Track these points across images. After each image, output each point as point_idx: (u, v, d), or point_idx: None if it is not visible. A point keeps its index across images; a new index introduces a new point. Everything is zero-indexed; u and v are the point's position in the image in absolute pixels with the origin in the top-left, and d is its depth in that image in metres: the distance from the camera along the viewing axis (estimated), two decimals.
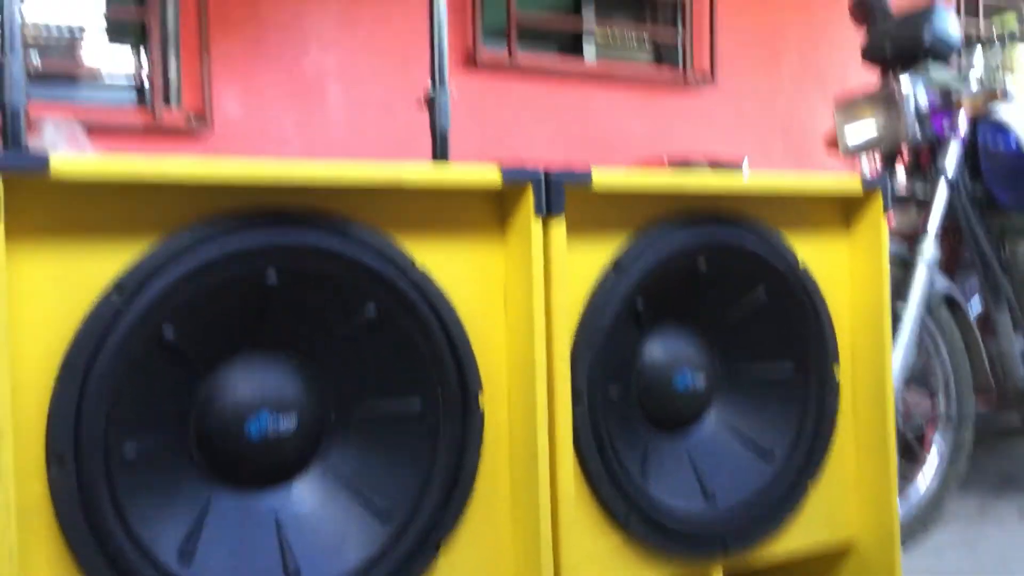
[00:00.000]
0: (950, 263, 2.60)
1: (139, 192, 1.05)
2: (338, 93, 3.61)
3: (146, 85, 3.37)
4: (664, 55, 4.53)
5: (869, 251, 1.54)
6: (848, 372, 1.56)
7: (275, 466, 1.17)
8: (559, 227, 1.25)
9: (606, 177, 1.29)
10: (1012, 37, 2.47)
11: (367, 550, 1.17)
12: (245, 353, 1.15)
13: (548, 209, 1.24)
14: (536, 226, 1.23)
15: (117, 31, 3.45)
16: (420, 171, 1.17)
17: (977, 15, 5.13)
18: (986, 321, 2.55)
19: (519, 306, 1.25)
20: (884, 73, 2.54)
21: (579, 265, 1.31)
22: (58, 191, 1.00)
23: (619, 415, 1.38)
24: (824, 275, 1.52)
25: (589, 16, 4.31)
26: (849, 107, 2.55)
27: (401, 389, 1.21)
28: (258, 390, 1.15)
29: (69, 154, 2.29)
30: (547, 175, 1.23)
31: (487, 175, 1.20)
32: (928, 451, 2.37)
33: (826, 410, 1.53)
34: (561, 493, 1.26)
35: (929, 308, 2.30)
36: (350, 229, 1.15)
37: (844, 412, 1.56)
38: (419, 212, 1.21)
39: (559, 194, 1.24)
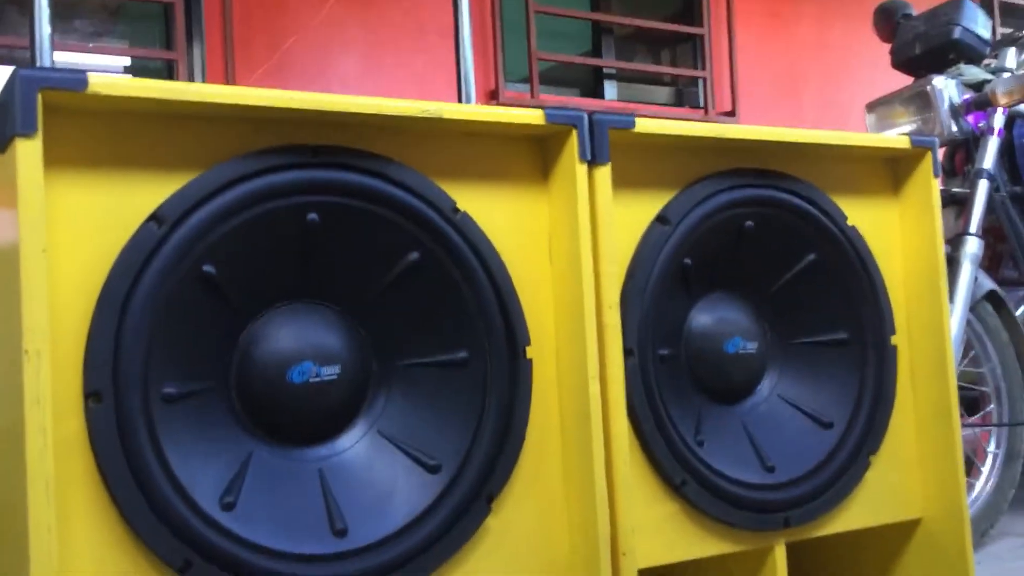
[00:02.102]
0: (991, 264, 2.55)
1: (180, 122, 1.02)
2: None
3: None
4: (685, 95, 4.55)
5: (920, 214, 1.50)
6: (904, 343, 1.51)
7: (319, 419, 1.12)
8: (604, 175, 1.21)
9: (650, 124, 1.26)
10: None
11: (416, 505, 1.12)
12: (287, 299, 1.12)
13: (593, 156, 1.20)
14: (581, 172, 1.19)
15: (144, 73, 3.50)
16: (463, 110, 1.14)
17: (992, 15, 5.12)
18: None
19: (565, 257, 1.21)
20: (916, 75, 2.52)
21: (625, 217, 1.27)
22: (97, 118, 0.98)
23: (670, 378, 1.33)
24: (874, 240, 1.48)
25: (610, 57, 4.34)
26: (883, 112, 2.53)
27: (446, 339, 1.16)
28: (301, 338, 1.11)
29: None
30: (591, 117, 1.20)
31: (530, 116, 1.18)
32: (982, 459, 2.28)
33: (884, 381, 1.47)
34: (615, 453, 1.20)
35: (974, 308, 2.24)
36: (392, 169, 1.12)
37: (903, 384, 1.50)
38: (461, 156, 1.18)
39: (603, 139, 1.21)
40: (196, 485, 1.01)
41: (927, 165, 1.49)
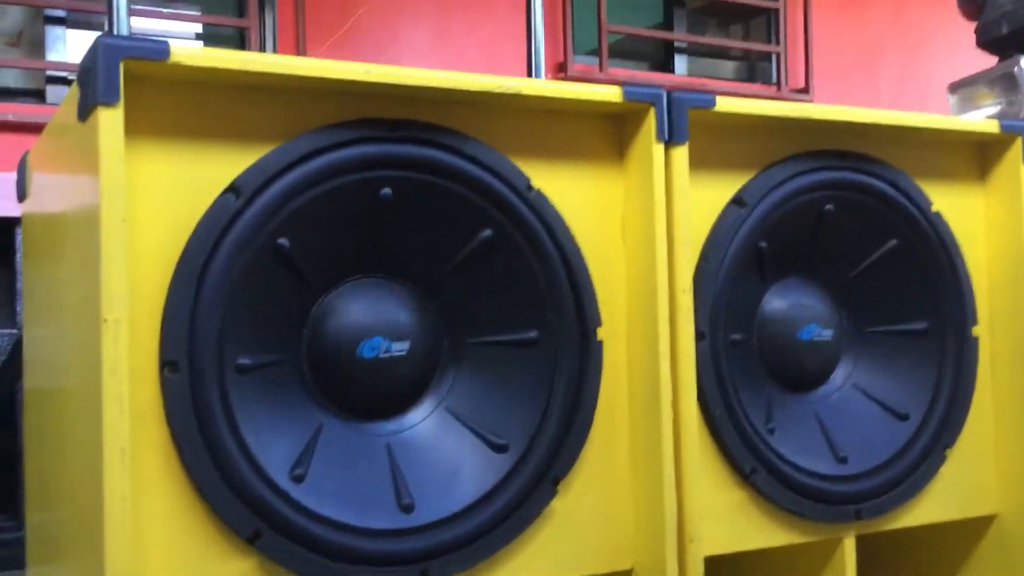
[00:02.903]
0: None
1: (259, 94, 1.02)
2: None
3: None
4: (757, 70, 4.46)
5: (1007, 202, 1.45)
6: (986, 334, 1.46)
7: (388, 394, 1.12)
8: (682, 155, 1.19)
9: (730, 103, 1.23)
10: None
11: (482, 485, 1.11)
12: (359, 274, 1.11)
13: (670, 135, 1.18)
14: (658, 151, 1.17)
15: (215, 40, 3.52)
16: (541, 86, 1.12)
17: None
18: None
19: (639, 237, 1.19)
20: (1002, 56, 2.44)
21: (700, 199, 1.24)
22: (178, 88, 0.98)
23: (741, 364, 1.30)
24: (958, 227, 1.43)
25: (681, 31, 4.26)
26: (966, 93, 2.45)
27: (517, 318, 1.15)
28: (372, 313, 1.10)
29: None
30: (670, 96, 1.18)
31: (607, 93, 1.15)
32: None
33: (964, 373, 1.42)
34: (684, 438, 1.18)
35: None
36: (468, 145, 1.10)
37: (982, 377, 1.45)
38: (536, 133, 1.16)
39: (682, 118, 1.18)
40: (267, 456, 1.01)
41: (1016, 151, 1.43)
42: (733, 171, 1.28)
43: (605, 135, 1.20)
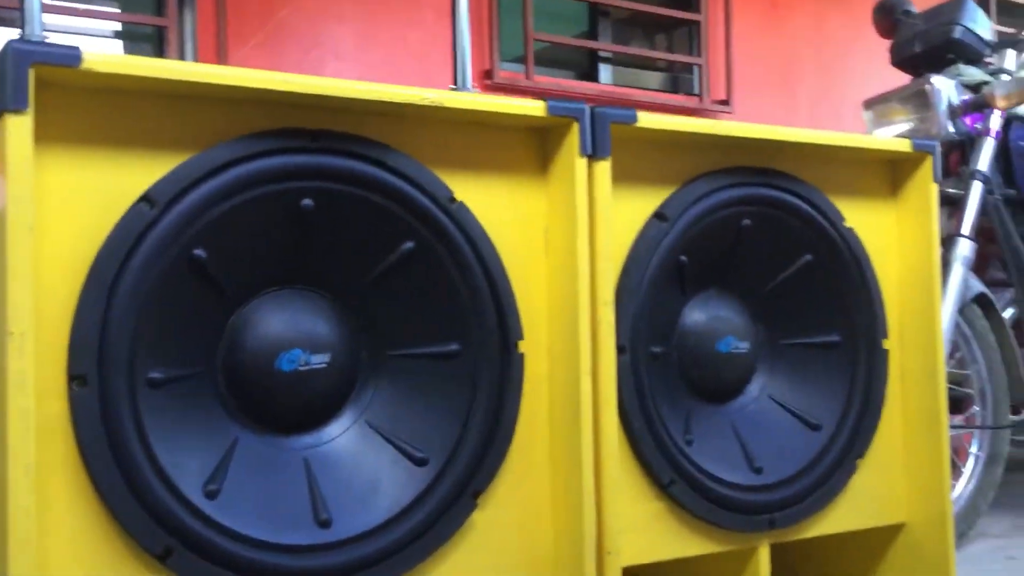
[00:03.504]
0: (979, 267, 2.54)
1: (176, 102, 1.00)
2: None
3: None
4: (680, 81, 4.52)
5: (918, 218, 1.49)
6: (896, 347, 1.50)
7: (306, 408, 1.10)
8: (604, 169, 1.19)
9: (652, 119, 1.24)
10: None
11: (401, 499, 1.10)
12: (277, 285, 1.10)
13: (594, 149, 1.19)
14: (581, 166, 1.17)
15: (133, 39, 3.44)
16: (464, 99, 1.12)
17: (989, 13, 5.12)
18: (1019, 329, 2.49)
19: (561, 251, 1.19)
20: (915, 74, 2.51)
21: (622, 213, 1.25)
22: (91, 95, 0.95)
23: (661, 376, 1.32)
24: (870, 242, 1.47)
25: (606, 40, 4.30)
26: (880, 110, 2.52)
27: (438, 331, 1.15)
28: (291, 326, 1.09)
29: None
30: (593, 111, 1.18)
31: (531, 108, 1.16)
32: (964, 460, 2.29)
33: (875, 385, 1.46)
34: (604, 450, 1.19)
35: (962, 310, 2.24)
36: (389, 157, 1.09)
37: (892, 388, 1.49)
38: (460, 146, 1.16)
39: (604, 133, 1.19)
40: (180, 472, 0.99)
41: (927, 169, 1.48)
42: (654, 186, 1.29)
43: (528, 149, 1.20)
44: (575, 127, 1.17)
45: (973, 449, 2.37)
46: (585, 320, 1.17)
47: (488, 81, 3.82)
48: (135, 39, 3.45)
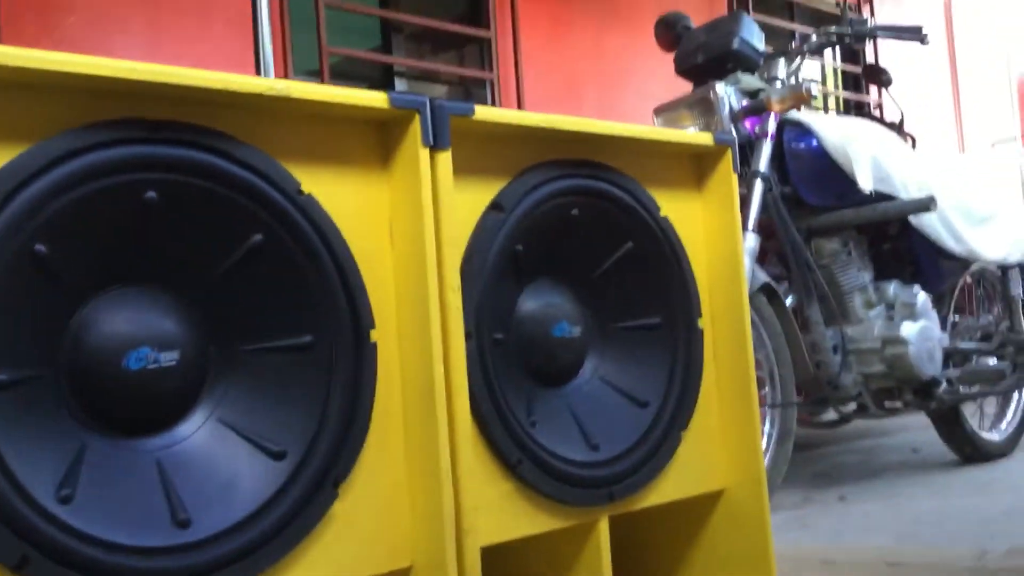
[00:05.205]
0: (763, 260, 2.77)
1: (8, 91, 0.95)
2: None
3: None
4: (473, 95, 4.63)
5: (721, 207, 1.61)
6: (708, 327, 1.62)
7: (156, 407, 1.07)
8: (446, 160, 1.23)
9: (487, 112, 1.29)
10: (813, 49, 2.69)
11: (261, 493, 1.09)
12: (123, 282, 1.06)
13: (435, 141, 1.22)
14: (424, 156, 1.21)
15: None
16: (311, 89, 1.13)
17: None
18: (798, 316, 2.72)
19: (407, 240, 1.22)
20: (698, 82, 2.70)
21: (461, 203, 1.29)
22: None
23: (503, 362, 1.36)
24: (682, 230, 1.58)
25: (399, 55, 4.35)
26: (669, 116, 2.69)
27: (290, 323, 1.14)
28: (137, 323, 1.06)
29: None
30: (433, 103, 1.22)
31: (373, 99, 1.18)
32: None
33: (693, 361, 1.57)
34: (459, 433, 1.22)
35: (751, 298, 2.43)
36: (236, 148, 1.09)
37: (707, 364, 1.61)
38: (304, 137, 1.16)
39: (444, 124, 1.23)
40: (32, 478, 0.94)
41: (727, 161, 1.61)
42: (489, 177, 1.34)
43: (371, 141, 1.22)
44: (416, 119, 1.20)
45: (765, 428, 2.57)
46: (435, 306, 1.20)
47: None
48: None
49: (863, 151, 2.60)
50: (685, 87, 2.85)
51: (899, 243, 2.83)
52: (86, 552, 0.95)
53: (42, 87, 0.97)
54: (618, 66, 4.96)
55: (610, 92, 4.94)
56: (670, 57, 2.86)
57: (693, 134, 1.58)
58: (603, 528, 1.43)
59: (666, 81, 3.16)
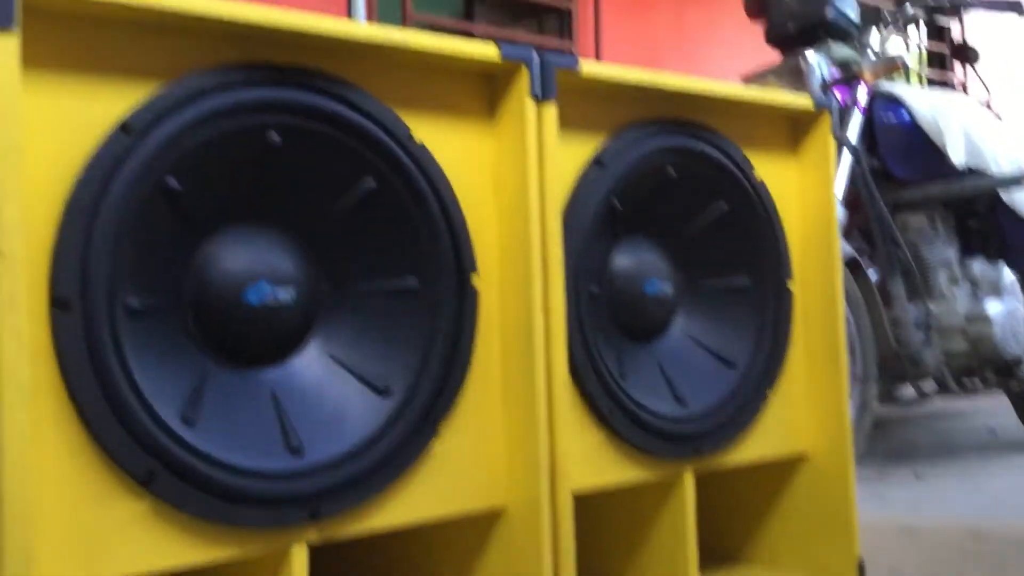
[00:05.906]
0: (847, 234, 2.75)
1: (150, 31, 1.00)
2: None
3: None
4: None
5: (817, 171, 1.61)
6: (799, 291, 1.62)
7: (272, 340, 1.12)
8: (551, 112, 1.26)
9: (592, 67, 1.31)
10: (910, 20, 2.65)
11: (367, 428, 1.13)
12: (244, 220, 1.11)
13: (543, 92, 1.25)
14: (530, 107, 1.23)
15: None
16: (426, 40, 1.16)
17: None
18: (881, 291, 2.70)
19: (511, 190, 1.25)
20: (787, 51, 2.68)
21: (563, 158, 1.32)
22: (71, 20, 0.95)
23: (596, 315, 1.39)
24: (775, 193, 1.58)
25: (482, 22, 4.37)
26: (756, 83, 2.67)
27: (398, 267, 1.18)
28: (257, 259, 1.10)
29: None
30: (541, 55, 1.24)
31: (485, 50, 1.21)
32: None
33: (781, 324, 1.58)
34: (555, 382, 1.25)
35: None
36: (354, 95, 1.12)
37: (796, 328, 1.61)
38: (416, 87, 1.20)
39: (551, 77, 1.25)
40: (159, 399, 0.99)
41: (825, 125, 1.61)
42: (590, 132, 1.37)
43: (478, 92, 1.25)
44: (524, 70, 1.23)
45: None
46: (536, 257, 1.23)
47: None
48: None
49: (955, 124, 2.56)
50: (766, 60, 2.83)
51: (986, 219, 2.78)
52: (209, 471, 1.01)
53: (172, 28, 1.01)
54: (699, 38, 4.92)
55: (690, 64, 4.90)
56: (751, 30, 2.84)
57: (794, 96, 1.58)
58: (688, 482, 1.46)
59: (748, 55, 3.14)
